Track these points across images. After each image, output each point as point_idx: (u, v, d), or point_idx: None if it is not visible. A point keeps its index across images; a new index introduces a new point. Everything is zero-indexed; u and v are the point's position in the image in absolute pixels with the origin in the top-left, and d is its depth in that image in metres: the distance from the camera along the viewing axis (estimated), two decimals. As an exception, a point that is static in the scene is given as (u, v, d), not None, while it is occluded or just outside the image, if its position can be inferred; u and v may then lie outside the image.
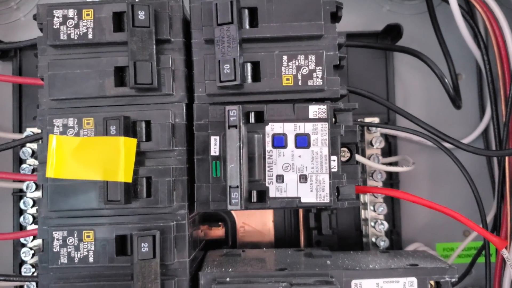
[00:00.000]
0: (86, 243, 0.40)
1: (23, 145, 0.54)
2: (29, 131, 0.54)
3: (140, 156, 0.40)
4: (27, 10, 0.59)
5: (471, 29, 0.54)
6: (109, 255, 0.40)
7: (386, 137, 0.58)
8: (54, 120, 0.40)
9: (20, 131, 0.57)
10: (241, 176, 0.38)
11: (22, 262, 0.53)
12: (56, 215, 0.41)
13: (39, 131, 0.42)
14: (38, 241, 0.53)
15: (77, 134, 0.40)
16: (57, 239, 0.40)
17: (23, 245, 0.53)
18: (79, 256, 0.40)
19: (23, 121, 0.57)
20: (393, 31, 0.57)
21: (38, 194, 0.53)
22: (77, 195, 0.40)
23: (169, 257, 0.40)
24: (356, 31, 0.58)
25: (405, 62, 0.60)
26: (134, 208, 0.40)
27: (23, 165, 0.54)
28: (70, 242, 0.40)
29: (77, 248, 0.40)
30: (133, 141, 0.39)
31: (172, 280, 0.40)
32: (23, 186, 0.53)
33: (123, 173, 0.39)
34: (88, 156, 0.39)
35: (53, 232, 0.40)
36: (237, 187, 0.38)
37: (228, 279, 0.42)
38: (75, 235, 0.40)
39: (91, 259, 0.40)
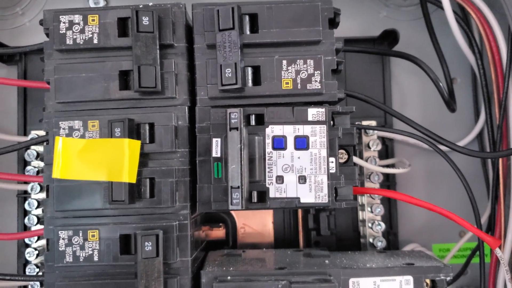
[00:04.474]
0: (91, 242, 0.41)
1: (28, 147, 0.54)
2: (34, 133, 0.55)
3: (144, 158, 0.41)
4: (32, 16, 0.61)
5: (465, 35, 0.55)
6: (113, 254, 0.41)
7: (383, 139, 0.59)
8: (60, 122, 0.41)
9: (25, 133, 0.58)
10: (242, 177, 0.39)
11: (26, 262, 0.54)
12: (62, 215, 0.42)
13: (44, 133, 0.43)
14: (42, 242, 0.54)
15: (83, 136, 0.41)
16: (63, 239, 0.41)
17: (28, 246, 0.54)
18: (84, 255, 0.41)
19: (28, 123, 0.58)
20: (390, 37, 0.58)
21: (42, 195, 0.54)
22: (82, 195, 0.41)
23: (171, 256, 0.41)
24: (354, 36, 0.59)
25: (401, 66, 0.61)
26: (138, 208, 0.41)
27: (28, 167, 0.55)
28: (75, 242, 0.41)
29: (82, 247, 0.41)
30: (137, 143, 0.40)
31: (174, 279, 0.41)
32: (28, 187, 0.54)
33: (127, 174, 0.40)
34: (93, 157, 0.40)
35: (59, 232, 0.41)
36: (238, 187, 0.39)
37: (229, 277, 0.43)
38: (80, 234, 0.41)
39: (96, 258, 0.41)
